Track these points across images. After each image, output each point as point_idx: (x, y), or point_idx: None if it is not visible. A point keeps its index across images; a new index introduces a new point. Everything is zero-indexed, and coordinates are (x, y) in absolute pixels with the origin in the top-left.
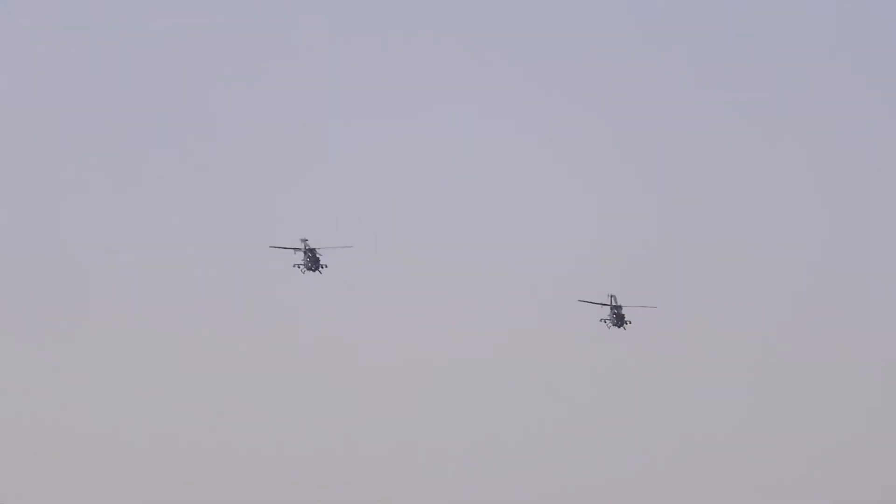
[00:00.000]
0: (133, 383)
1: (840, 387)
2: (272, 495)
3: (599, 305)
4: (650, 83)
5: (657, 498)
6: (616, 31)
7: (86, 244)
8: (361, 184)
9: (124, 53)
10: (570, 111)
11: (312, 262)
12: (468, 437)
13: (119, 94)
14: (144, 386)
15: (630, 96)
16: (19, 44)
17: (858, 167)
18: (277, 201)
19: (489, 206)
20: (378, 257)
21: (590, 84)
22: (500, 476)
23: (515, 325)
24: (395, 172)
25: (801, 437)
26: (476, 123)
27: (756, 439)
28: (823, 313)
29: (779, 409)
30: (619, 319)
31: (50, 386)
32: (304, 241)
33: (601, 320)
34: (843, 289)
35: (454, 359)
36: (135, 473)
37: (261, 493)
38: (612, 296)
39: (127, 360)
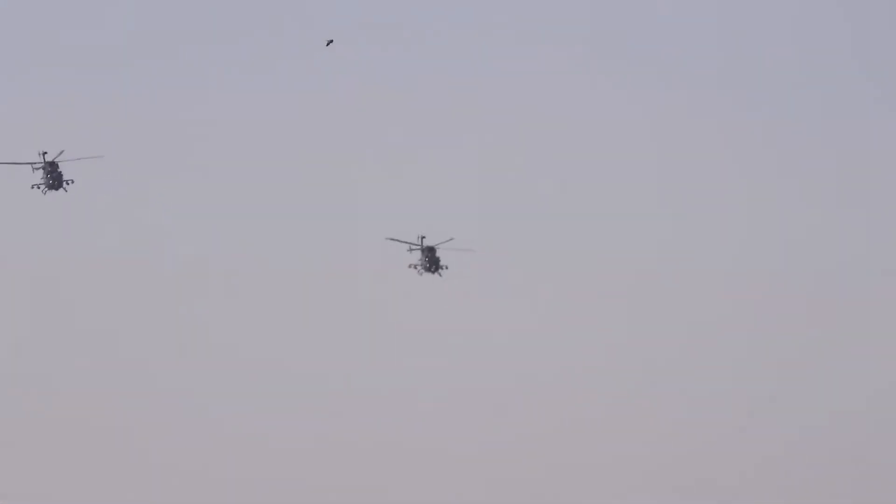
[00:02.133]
0: None
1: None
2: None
3: (409, 247)
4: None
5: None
6: None
7: None
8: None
9: None
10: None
11: (54, 178)
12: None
13: None
14: None
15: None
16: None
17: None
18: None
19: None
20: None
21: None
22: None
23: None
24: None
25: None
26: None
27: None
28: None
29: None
30: (432, 264)
31: None
32: (43, 153)
33: (411, 266)
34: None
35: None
36: None
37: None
38: (422, 237)
39: None
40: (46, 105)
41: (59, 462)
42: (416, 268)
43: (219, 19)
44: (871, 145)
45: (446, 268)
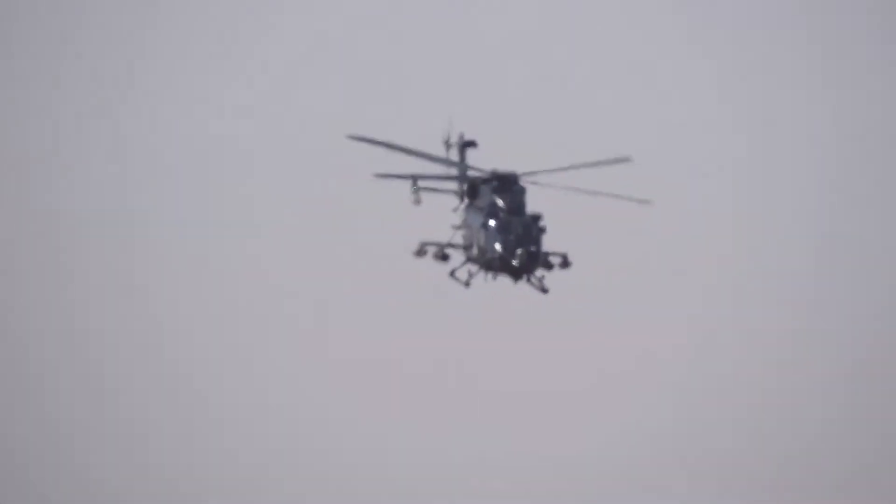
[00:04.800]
0: None
1: None
2: None
3: (413, 183)
4: None
5: None
6: None
7: None
8: None
9: None
10: None
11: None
12: None
13: None
14: None
15: None
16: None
17: None
18: None
19: None
20: None
21: None
22: None
23: None
24: None
25: None
26: None
27: None
28: None
29: None
30: (517, 245)
31: None
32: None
33: (438, 254)
34: None
35: None
36: None
37: None
38: (465, 140)
39: None
40: None
41: None
42: (442, 258)
43: None
44: None
45: (565, 263)
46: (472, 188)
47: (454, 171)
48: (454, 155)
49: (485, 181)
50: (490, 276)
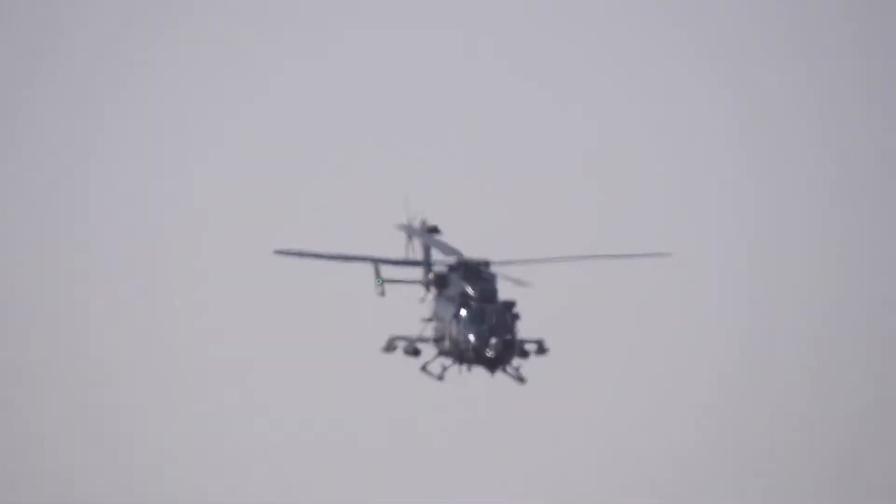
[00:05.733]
0: None
1: None
2: None
3: (378, 280)
4: None
5: None
6: None
7: None
8: None
9: None
10: None
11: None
12: None
13: None
14: None
15: None
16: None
17: None
18: None
19: None
20: None
21: None
22: None
23: None
24: None
25: None
26: None
27: None
28: None
29: None
30: (490, 335)
31: None
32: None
33: (406, 349)
34: None
35: None
36: None
37: None
38: (427, 225)
39: None
40: None
41: None
42: (413, 352)
43: None
44: None
45: (541, 350)
46: (440, 277)
47: (425, 263)
48: (416, 243)
49: (453, 269)
50: (464, 368)
